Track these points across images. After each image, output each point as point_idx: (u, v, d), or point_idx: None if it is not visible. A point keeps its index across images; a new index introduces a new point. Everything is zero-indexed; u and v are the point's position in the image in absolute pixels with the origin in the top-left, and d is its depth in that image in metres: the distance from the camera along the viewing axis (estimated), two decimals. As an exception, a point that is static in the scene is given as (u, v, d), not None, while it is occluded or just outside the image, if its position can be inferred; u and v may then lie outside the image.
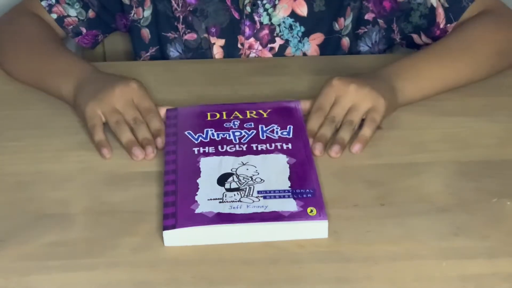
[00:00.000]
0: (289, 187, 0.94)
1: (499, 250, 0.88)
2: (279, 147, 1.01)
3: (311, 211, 0.90)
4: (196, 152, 1.01)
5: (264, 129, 1.05)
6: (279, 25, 1.31)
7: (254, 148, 1.01)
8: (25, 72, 1.23)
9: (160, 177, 1.00)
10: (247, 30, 1.31)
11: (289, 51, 1.33)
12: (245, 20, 1.31)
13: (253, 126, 1.06)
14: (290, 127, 1.05)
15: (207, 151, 1.01)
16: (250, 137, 1.04)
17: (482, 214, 0.94)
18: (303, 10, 1.31)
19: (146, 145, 1.04)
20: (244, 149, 1.01)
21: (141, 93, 1.11)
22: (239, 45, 1.32)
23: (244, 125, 1.06)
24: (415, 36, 1.31)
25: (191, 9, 1.31)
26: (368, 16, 1.32)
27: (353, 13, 1.31)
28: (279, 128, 1.05)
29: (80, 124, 1.12)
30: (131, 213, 0.95)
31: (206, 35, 1.32)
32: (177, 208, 0.91)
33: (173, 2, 1.31)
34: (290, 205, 0.91)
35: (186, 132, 1.05)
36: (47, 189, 1.00)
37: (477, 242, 0.89)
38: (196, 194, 0.93)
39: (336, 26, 1.32)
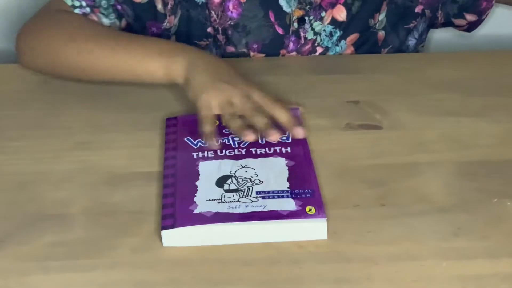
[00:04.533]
0: (288, 187, 0.94)
1: (499, 251, 0.88)
2: (278, 150, 1.01)
3: (310, 209, 0.91)
4: (195, 157, 1.01)
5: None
6: (319, 34, 1.30)
7: (253, 152, 1.02)
8: (101, 66, 1.16)
9: (161, 178, 1.00)
10: (291, 45, 1.30)
11: (327, 54, 1.33)
12: (290, 36, 1.29)
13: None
14: (289, 132, 1.05)
15: (206, 155, 1.01)
16: (249, 142, 1.04)
17: (482, 214, 0.94)
18: (342, 15, 1.30)
19: (266, 130, 1.03)
20: (243, 153, 1.02)
21: (262, 92, 1.08)
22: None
23: None
24: (457, 20, 1.33)
25: (232, 23, 1.28)
26: (418, 9, 1.32)
27: (388, 7, 1.31)
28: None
29: (80, 124, 1.12)
30: (131, 214, 0.95)
31: (245, 50, 1.31)
32: (176, 209, 0.92)
33: (213, 12, 1.28)
34: (289, 204, 0.91)
35: (185, 139, 1.05)
36: (47, 189, 1.00)
37: (477, 243, 0.89)
38: (195, 196, 0.93)
39: (372, 22, 1.31)
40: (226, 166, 0.99)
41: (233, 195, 0.93)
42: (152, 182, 1.00)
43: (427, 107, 1.15)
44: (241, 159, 1.00)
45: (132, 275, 0.86)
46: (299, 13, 1.28)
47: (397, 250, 0.88)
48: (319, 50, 1.32)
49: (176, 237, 0.89)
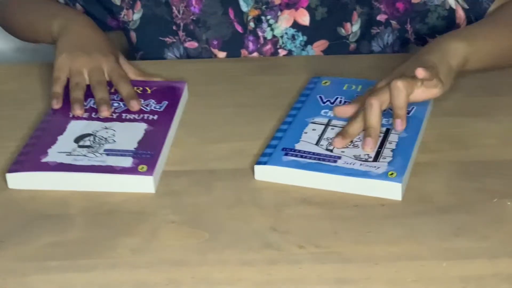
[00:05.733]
0: (135, 148, 1.03)
1: (499, 251, 0.88)
2: (145, 117, 1.10)
3: (142, 168, 0.99)
4: (70, 116, 1.10)
5: (142, 103, 1.13)
6: (281, 36, 1.30)
7: (123, 117, 1.10)
8: (19, 23, 1.33)
9: (161, 178, 1.00)
10: (250, 45, 1.30)
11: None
12: (248, 35, 1.30)
13: None
14: (165, 103, 1.13)
15: (80, 116, 1.10)
16: (124, 108, 1.12)
17: (483, 214, 0.93)
18: (305, 20, 1.30)
19: (101, 104, 1.11)
20: (114, 117, 1.10)
21: (115, 65, 1.18)
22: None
23: None
24: (431, 40, 1.30)
25: (193, 18, 1.30)
26: (380, 18, 1.31)
27: (361, 19, 1.30)
28: (155, 103, 1.14)
29: (79, 124, 1.12)
30: (130, 214, 0.95)
31: (207, 46, 1.31)
32: (27, 157, 1.01)
33: (174, 8, 1.31)
34: (126, 162, 1.00)
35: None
36: (47, 189, 0.99)
37: (478, 243, 0.89)
38: (50, 148, 1.03)
39: (342, 31, 1.31)
40: (92, 127, 1.08)
41: (83, 150, 1.02)
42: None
43: (427, 107, 1.15)
44: (108, 121, 1.09)
45: (132, 275, 0.86)
46: (254, 12, 1.29)
47: (397, 250, 0.88)
48: (282, 52, 1.32)
49: (19, 181, 0.99)
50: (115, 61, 1.19)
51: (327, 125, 1.06)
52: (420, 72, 1.00)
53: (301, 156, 0.99)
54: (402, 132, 1.04)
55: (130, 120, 1.09)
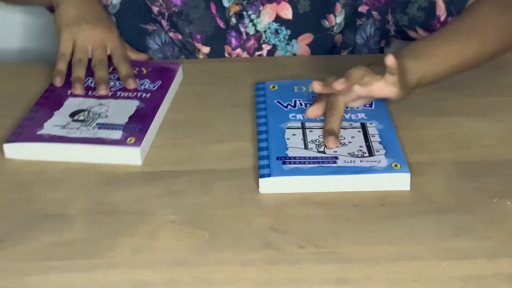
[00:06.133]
0: (125, 123, 1.08)
1: (499, 251, 0.88)
2: (138, 95, 1.16)
3: (130, 140, 1.04)
4: (68, 93, 1.16)
5: (137, 82, 1.19)
6: (264, 31, 1.30)
7: (117, 95, 1.16)
8: None
9: (161, 178, 1.00)
10: (233, 41, 1.30)
11: (278, 54, 1.32)
12: (231, 31, 1.30)
13: None
14: (158, 82, 1.19)
15: (77, 93, 1.16)
16: (120, 87, 1.18)
17: (483, 214, 0.94)
18: (287, 13, 1.29)
19: (100, 83, 1.16)
20: (109, 95, 1.16)
21: (118, 42, 1.22)
22: (226, 54, 1.32)
23: None
24: (411, 32, 1.31)
25: (176, 10, 1.30)
26: (362, 9, 1.31)
27: (345, 10, 1.30)
28: (150, 82, 1.19)
29: (79, 124, 1.12)
30: (130, 214, 0.95)
31: (190, 39, 1.31)
32: (24, 129, 1.07)
33: None
34: (115, 134, 1.06)
35: (71, 79, 1.19)
36: (47, 189, 0.99)
37: (478, 243, 0.89)
38: (46, 121, 1.09)
39: (326, 23, 1.30)
40: (87, 103, 1.14)
41: (76, 124, 1.08)
42: (152, 182, 1.00)
43: (427, 107, 1.15)
44: (103, 98, 1.15)
45: (132, 275, 0.86)
46: (236, 8, 1.29)
47: (397, 250, 0.88)
48: (266, 47, 1.31)
49: (15, 151, 1.04)
50: (119, 38, 1.21)
51: (303, 128, 1.06)
52: (390, 59, 1.02)
53: (300, 163, 0.99)
54: (377, 124, 1.07)
55: (124, 98, 1.15)
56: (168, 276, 0.85)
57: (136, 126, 1.07)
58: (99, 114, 1.10)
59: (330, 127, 1.04)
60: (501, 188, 0.98)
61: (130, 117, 1.09)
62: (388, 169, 0.97)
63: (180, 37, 1.32)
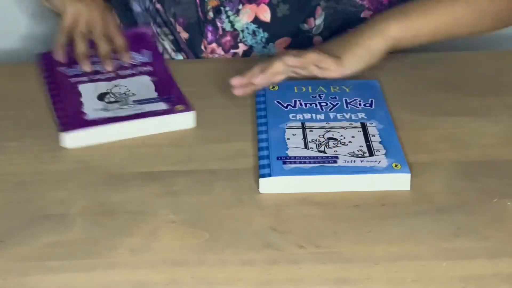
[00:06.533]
0: (157, 96, 1.15)
1: (499, 251, 0.88)
2: (142, 71, 1.22)
3: (180, 107, 1.11)
4: (72, 81, 1.19)
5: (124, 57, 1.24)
6: (242, 31, 1.30)
7: (122, 74, 1.21)
8: None
9: (160, 178, 1.00)
10: (209, 35, 1.30)
11: (254, 55, 1.32)
12: (207, 25, 1.30)
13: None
14: (147, 52, 1.26)
15: (82, 80, 1.20)
16: (117, 64, 1.23)
17: (483, 214, 0.94)
18: (266, 16, 1.29)
19: (107, 58, 1.21)
20: (113, 75, 1.20)
21: (112, 17, 1.27)
22: (202, 47, 1.32)
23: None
24: None
25: None
26: (365, 14, 1.30)
27: (326, 12, 1.29)
28: (136, 54, 1.25)
29: (79, 124, 1.12)
30: (130, 214, 0.95)
31: (173, 20, 1.31)
32: (69, 119, 1.09)
33: None
34: (160, 106, 1.12)
35: (59, 69, 1.23)
36: (47, 189, 0.99)
37: (478, 243, 0.89)
38: (82, 107, 1.12)
39: (305, 26, 1.30)
40: (101, 87, 1.17)
41: (114, 105, 1.12)
42: (152, 182, 1.00)
43: (427, 107, 1.15)
44: (113, 80, 1.19)
45: (132, 275, 0.86)
46: (213, 3, 1.29)
47: (397, 250, 0.88)
48: (242, 47, 1.31)
49: (77, 139, 1.06)
50: (111, 14, 1.27)
51: (303, 128, 1.06)
52: (291, 60, 1.10)
53: (300, 162, 0.99)
54: (377, 124, 1.07)
55: (130, 76, 1.20)
56: (168, 276, 0.85)
57: (170, 96, 1.13)
58: (125, 93, 1.15)
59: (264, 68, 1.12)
60: (501, 188, 0.98)
61: (156, 91, 1.15)
62: (388, 169, 0.97)
63: (163, 12, 1.32)
